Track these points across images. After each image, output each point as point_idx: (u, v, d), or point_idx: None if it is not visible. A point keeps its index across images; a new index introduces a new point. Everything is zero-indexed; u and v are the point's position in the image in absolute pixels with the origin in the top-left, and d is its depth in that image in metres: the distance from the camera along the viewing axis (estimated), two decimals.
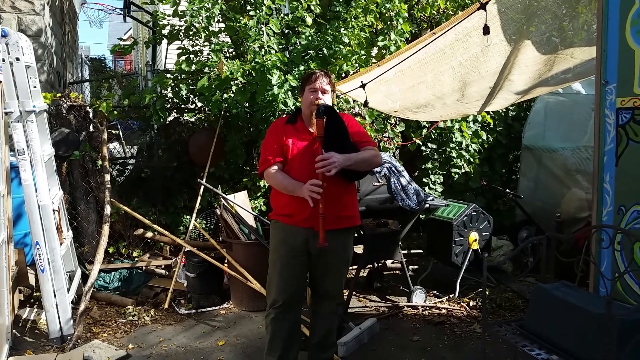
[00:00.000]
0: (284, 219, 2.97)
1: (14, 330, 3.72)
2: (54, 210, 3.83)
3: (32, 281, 4.26)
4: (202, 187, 4.79)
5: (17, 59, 3.59)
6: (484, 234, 4.77)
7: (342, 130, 2.90)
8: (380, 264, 5.17)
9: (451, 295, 4.69)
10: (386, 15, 5.60)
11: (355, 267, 4.53)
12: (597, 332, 2.17)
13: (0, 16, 3.43)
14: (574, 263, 2.93)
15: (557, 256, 2.69)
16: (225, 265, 4.45)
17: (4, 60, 3.45)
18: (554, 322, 2.39)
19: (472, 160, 6.35)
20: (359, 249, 4.67)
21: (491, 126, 6.49)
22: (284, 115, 4.21)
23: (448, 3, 6.29)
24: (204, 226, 5.18)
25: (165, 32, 5.27)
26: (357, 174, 2.99)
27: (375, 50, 5.81)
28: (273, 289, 2.99)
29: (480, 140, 6.34)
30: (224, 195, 4.69)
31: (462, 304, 4.55)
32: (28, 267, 4.24)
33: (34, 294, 4.32)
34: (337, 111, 3.00)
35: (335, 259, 2.98)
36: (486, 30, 3.08)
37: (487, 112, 6.11)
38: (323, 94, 2.92)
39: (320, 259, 2.95)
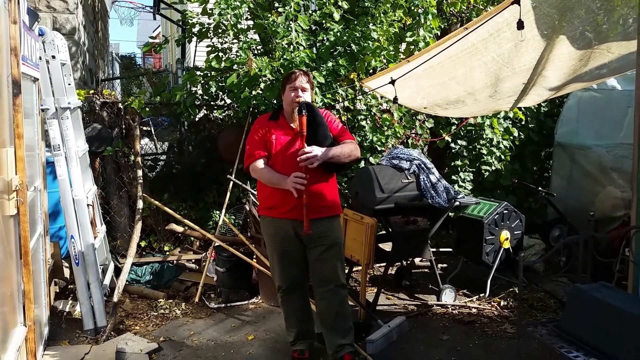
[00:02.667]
0: (269, 212, 3.21)
1: (50, 321, 3.81)
2: (88, 205, 3.91)
3: (66, 274, 4.37)
4: (231, 182, 4.83)
5: (53, 57, 3.66)
6: (515, 232, 4.68)
7: (322, 126, 3.13)
8: (408, 262, 5.13)
9: (481, 295, 4.63)
10: (415, 10, 5.54)
11: (384, 264, 4.51)
12: (638, 334, 2.11)
13: (37, 15, 3.50)
14: (608, 263, 2.86)
15: (594, 256, 2.63)
16: (254, 260, 4.49)
17: (40, 58, 3.52)
18: (592, 323, 2.34)
19: (502, 157, 6.23)
20: (387, 247, 4.65)
21: (523, 122, 6.36)
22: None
23: None
24: (232, 221, 5.23)
25: (195, 30, 5.32)
26: (338, 167, 3.20)
27: (403, 46, 5.75)
28: (276, 276, 3.33)
29: (511, 137, 6.23)
30: (252, 190, 4.71)
31: (492, 303, 4.49)
32: (63, 260, 4.34)
33: (69, 287, 4.43)
34: (317, 108, 3.21)
35: (323, 242, 3.16)
36: (520, 25, 3.02)
37: (519, 109, 5.99)
38: (303, 92, 3.13)
39: (310, 246, 3.17)
